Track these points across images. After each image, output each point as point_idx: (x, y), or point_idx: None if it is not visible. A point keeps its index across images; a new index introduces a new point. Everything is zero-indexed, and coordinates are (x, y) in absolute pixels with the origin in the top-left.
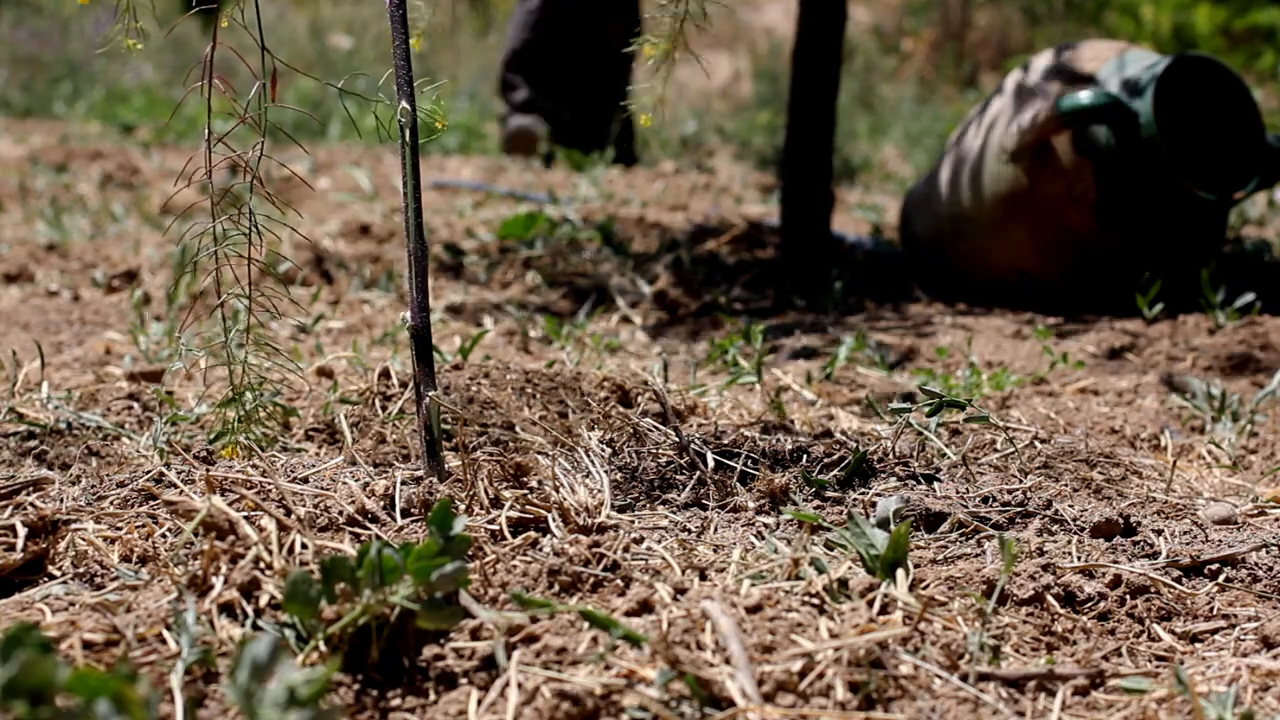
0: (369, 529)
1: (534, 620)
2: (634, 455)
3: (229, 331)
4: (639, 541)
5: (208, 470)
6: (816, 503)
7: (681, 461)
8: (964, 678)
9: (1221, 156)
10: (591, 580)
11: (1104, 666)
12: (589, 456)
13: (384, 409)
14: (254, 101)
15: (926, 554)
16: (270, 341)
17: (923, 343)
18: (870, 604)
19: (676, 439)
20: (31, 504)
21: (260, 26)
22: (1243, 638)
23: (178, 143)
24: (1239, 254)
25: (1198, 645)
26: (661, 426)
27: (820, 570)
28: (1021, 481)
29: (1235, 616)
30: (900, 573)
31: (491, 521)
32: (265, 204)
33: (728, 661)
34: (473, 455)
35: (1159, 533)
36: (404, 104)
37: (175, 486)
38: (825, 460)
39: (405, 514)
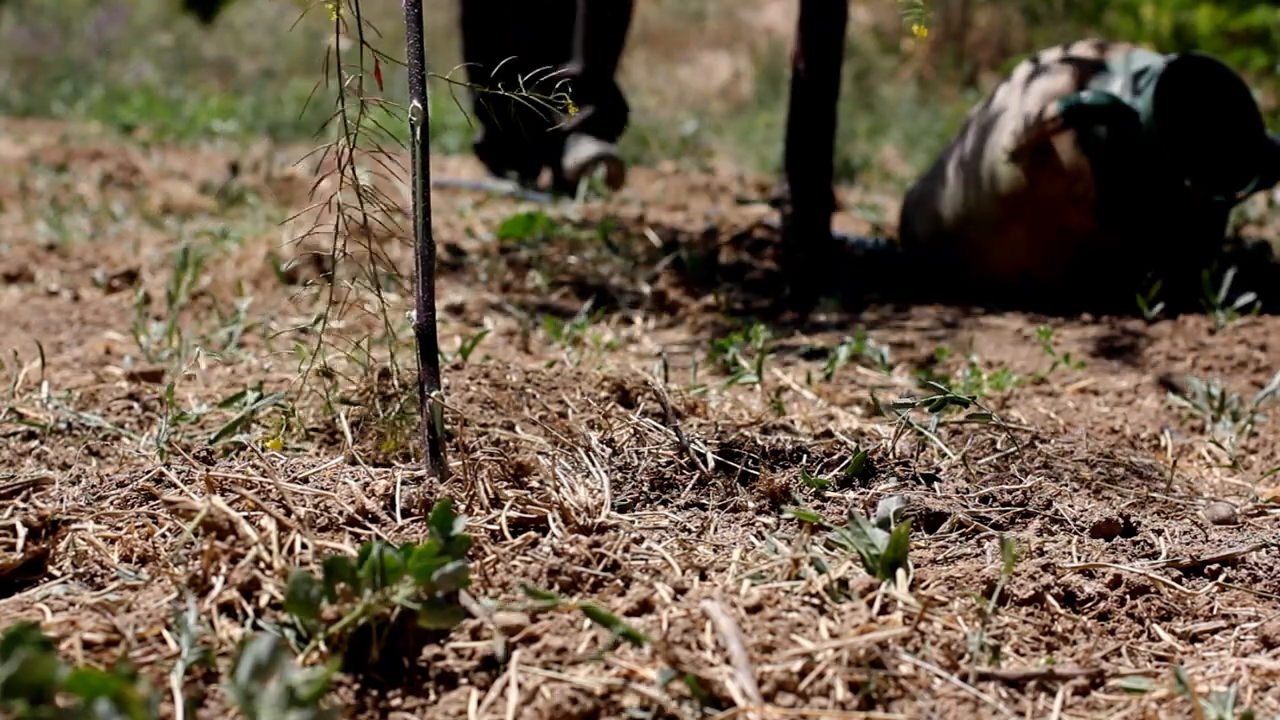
0: (369, 529)
1: (534, 620)
2: (634, 455)
3: (324, 315)
4: (639, 541)
5: (208, 470)
6: (817, 503)
7: (681, 461)
8: (964, 678)
9: (1221, 156)
10: (591, 580)
11: (1104, 666)
12: (589, 456)
13: (384, 409)
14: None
15: (926, 554)
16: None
17: (923, 342)
18: (870, 604)
19: (677, 439)
20: (31, 504)
21: (360, 21)
22: (1243, 638)
23: (177, 143)
24: (1239, 254)
25: (1198, 645)
26: (662, 426)
27: (820, 570)
28: (1021, 481)
29: (1235, 616)
30: (900, 573)
31: (492, 521)
32: (267, 204)
33: (728, 661)
34: (473, 455)
35: (1159, 533)
36: (415, 103)
37: (175, 486)
38: (825, 460)
39: (405, 514)
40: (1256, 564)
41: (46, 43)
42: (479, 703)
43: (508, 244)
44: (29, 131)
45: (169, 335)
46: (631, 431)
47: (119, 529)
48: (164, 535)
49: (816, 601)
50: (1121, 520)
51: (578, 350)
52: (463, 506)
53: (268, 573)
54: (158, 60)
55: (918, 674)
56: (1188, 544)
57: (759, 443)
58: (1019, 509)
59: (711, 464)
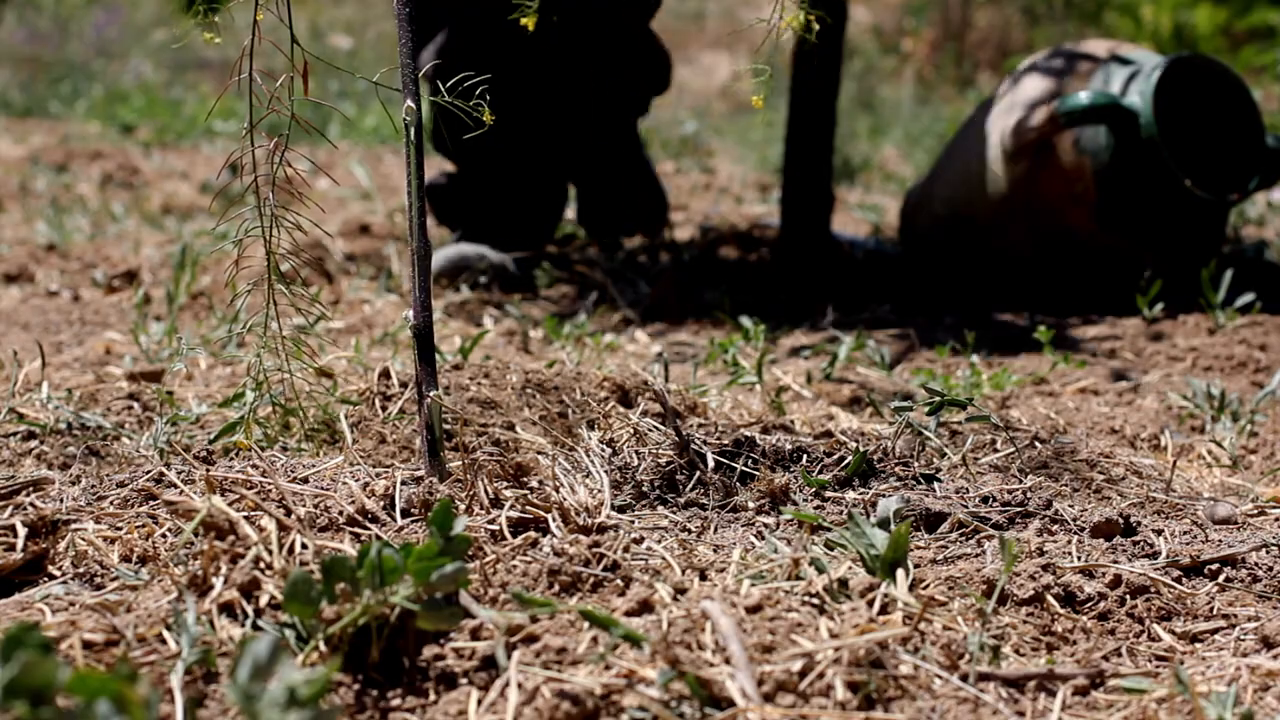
0: (369, 529)
1: (534, 620)
2: (634, 455)
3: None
4: (639, 541)
5: (208, 470)
6: (816, 503)
7: (681, 461)
8: (964, 678)
9: (1221, 156)
10: (591, 580)
11: (1104, 666)
12: (589, 456)
13: (384, 409)
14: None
15: (926, 554)
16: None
17: (922, 342)
18: (870, 604)
19: (677, 439)
20: (31, 504)
21: (290, 22)
22: (1243, 638)
23: (177, 143)
24: (1239, 254)
25: (1198, 645)
26: (662, 426)
27: (820, 570)
28: (1021, 481)
29: (1235, 616)
30: (900, 573)
31: (491, 521)
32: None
33: (728, 661)
34: (473, 455)
35: (1159, 533)
36: (409, 103)
37: (175, 486)
38: (825, 460)
39: (405, 514)
40: (1256, 564)
41: (46, 43)
42: (479, 703)
43: None
44: (29, 131)
45: (169, 335)
46: (631, 431)
47: (119, 529)
48: (164, 535)
49: (816, 601)
50: (1121, 520)
51: (578, 350)
52: (462, 506)
53: (268, 573)
54: (157, 60)
55: (918, 674)
56: (1188, 544)
57: (759, 443)
58: (1019, 509)
59: (711, 464)
